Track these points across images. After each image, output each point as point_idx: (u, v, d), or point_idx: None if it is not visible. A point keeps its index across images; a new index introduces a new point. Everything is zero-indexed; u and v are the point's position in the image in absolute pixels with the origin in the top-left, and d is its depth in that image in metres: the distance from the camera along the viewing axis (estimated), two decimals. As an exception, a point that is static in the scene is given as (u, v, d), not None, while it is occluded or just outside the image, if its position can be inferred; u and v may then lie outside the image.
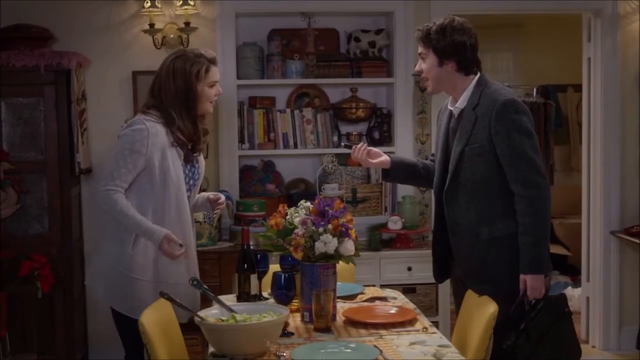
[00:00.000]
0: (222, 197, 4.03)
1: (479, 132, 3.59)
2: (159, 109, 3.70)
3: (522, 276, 3.55)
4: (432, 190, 3.91)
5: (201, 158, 3.91)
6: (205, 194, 4.04)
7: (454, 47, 3.64)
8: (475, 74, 3.71)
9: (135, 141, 3.61)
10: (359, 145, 3.93)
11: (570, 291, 7.03)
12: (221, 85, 5.71)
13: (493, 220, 3.62)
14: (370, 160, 3.93)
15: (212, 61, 3.79)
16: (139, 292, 3.61)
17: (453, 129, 3.73)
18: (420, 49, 3.75)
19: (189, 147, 3.76)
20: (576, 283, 7.24)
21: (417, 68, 3.81)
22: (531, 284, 3.53)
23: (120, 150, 3.63)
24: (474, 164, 3.61)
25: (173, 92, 3.70)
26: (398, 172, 4.01)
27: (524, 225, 3.53)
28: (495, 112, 3.55)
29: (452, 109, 3.76)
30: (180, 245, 3.63)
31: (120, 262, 3.63)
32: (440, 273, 3.97)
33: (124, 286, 3.63)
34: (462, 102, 3.68)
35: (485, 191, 3.63)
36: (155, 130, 3.63)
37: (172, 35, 5.62)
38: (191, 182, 3.83)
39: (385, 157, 3.95)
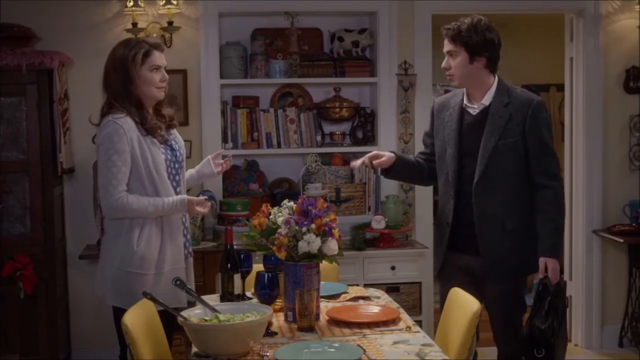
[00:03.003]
0: (222, 151, 4.13)
1: (513, 128, 3.90)
2: (115, 105, 3.69)
3: (543, 259, 3.89)
4: (445, 184, 4.06)
5: (179, 138, 3.93)
6: (203, 161, 4.16)
7: (486, 43, 3.90)
8: (495, 74, 3.99)
9: (116, 142, 3.61)
10: (358, 163, 4.09)
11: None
12: (205, 85, 5.75)
13: (517, 211, 3.94)
14: (377, 162, 4.07)
15: (155, 46, 3.79)
16: (145, 287, 3.58)
17: (471, 125, 3.97)
18: (449, 47, 3.94)
19: (159, 130, 3.76)
20: (559, 282, 7.27)
21: (444, 65, 3.99)
22: (552, 267, 3.89)
23: (107, 156, 3.62)
24: (506, 158, 3.90)
25: (115, 82, 3.71)
26: (400, 170, 4.16)
27: (548, 213, 3.90)
28: (532, 111, 3.90)
29: (471, 106, 3.99)
30: (206, 199, 3.80)
31: (126, 262, 3.65)
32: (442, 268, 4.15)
33: (130, 283, 3.64)
34: (487, 100, 3.96)
35: (512, 184, 3.93)
36: (128, 126, 3.64)
37: (155, 35, 5.60)
38: (176, 165, 3.84)
39: (387, 158, 4.07)
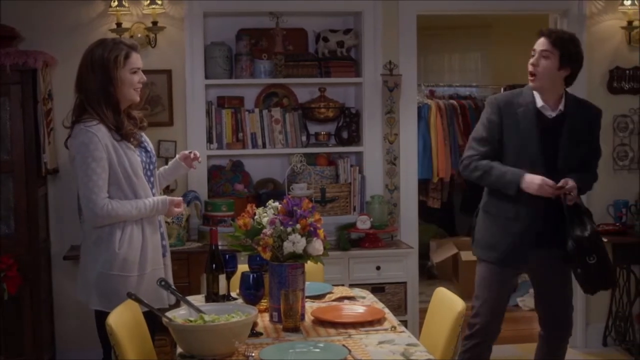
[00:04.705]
0: (194, 151, 4.08)
1: (583, 132, 4.26)
2: (88, 111, 3.65)
3: (565, 179, 4.15)
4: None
5: (148, 140, 3.92)
6: (172, 160, 4.15)
7: (577, 57, 4.21)
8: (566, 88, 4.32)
9: (92, 150, 3.58)
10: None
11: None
12: (190, 85, 5.74)
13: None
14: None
15: (133, 47, 3.77)
16: (128, 288, 3.57)
17: (547, 129, 4.21)
18: (545, 46, 4.19)
19: (134, 135, 3.74)
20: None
21: (533, 62, 4.25)
22: (572, 184, 4.14)
23: (85, 165, 3.58)
24: (578, 161, 4.26)
25: (93, 83, 3.67)
26: None
27: (587, 180, 4.34)
28: (595, 117, 4.34)
29: (548, 109, 4.23)
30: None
31: (109, 265, 3.63)
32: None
33: (114, 286, 3.63)
34: (562, 106, 4.25)
35: None
36: (101, 133, 3.61)
37: (139, 35, 5.59)
38: (151, 166, 3.84)
39: None
